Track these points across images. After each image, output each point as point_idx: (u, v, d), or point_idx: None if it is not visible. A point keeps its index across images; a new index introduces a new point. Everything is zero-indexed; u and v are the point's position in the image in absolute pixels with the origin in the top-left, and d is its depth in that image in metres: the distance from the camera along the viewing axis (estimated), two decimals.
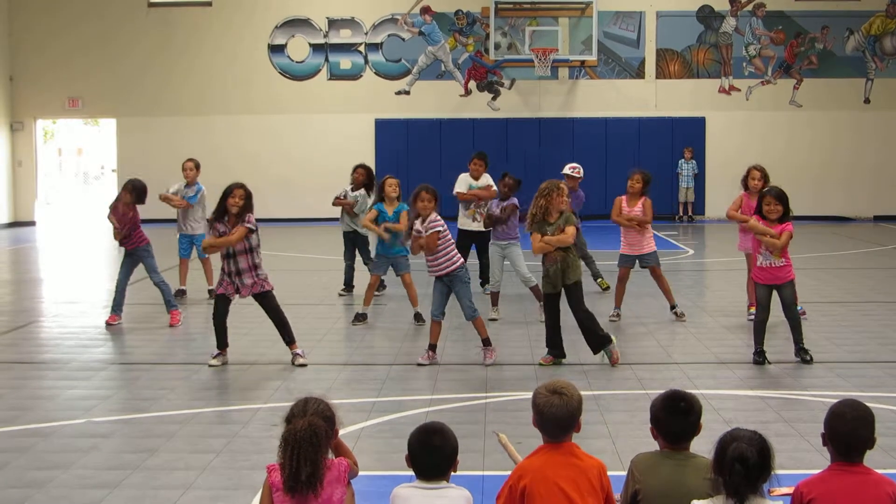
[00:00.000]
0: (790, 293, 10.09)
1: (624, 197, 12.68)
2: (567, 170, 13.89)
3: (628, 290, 12.86)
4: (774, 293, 10.10)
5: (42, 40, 29.26)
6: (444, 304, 10.33)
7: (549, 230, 9.98)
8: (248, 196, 10.12)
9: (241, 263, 10.07)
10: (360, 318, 12.57)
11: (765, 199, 10.05)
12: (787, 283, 10.05)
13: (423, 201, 10.19)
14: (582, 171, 13.96)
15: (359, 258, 14.68)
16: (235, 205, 10.02)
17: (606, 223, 11.98)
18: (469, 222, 13.82)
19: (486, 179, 14.18)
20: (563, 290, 10.11)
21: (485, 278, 14.51)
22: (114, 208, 12.50)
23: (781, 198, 9.97)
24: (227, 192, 10.10)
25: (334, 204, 14.59)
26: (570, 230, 10.00)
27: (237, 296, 10.18)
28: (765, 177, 12.17)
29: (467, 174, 14.03)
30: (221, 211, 10.10)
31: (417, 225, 10.25)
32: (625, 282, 12.71)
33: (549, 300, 10.23)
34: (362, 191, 14.32)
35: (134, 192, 12.41)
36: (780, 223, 9.91)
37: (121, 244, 12.58)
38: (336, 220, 15.16)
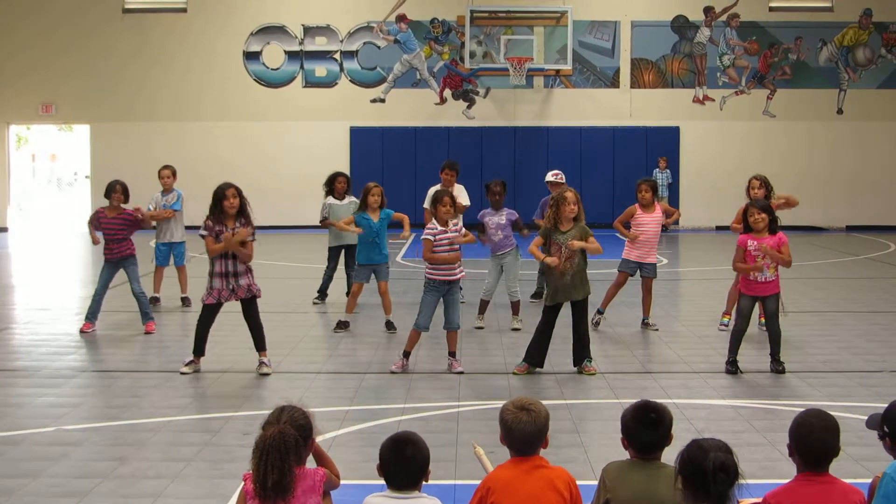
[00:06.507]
0: (774, 305, 10.18)
1: (637, 206, 12.71)
2: (550, 176, 13.94)
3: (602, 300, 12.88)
4: (756, 305, 10.22)
5: (16, 46, 29.11)
6: (432, 316, 10.36)
7: (562, 239, 10.01)
8: (240, 193, 10.03)
9: (240, 266, 10.04)
10: (342, 325, 12.56)
11: (749, 210, 10.15)
12: (773, 295, 10.15)
13: (445, 206, 10.24)
14: (564, 177, 14.00)
15: (339, 269, 14.57)
16: (232, 206, 9.92)
17: None
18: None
19: (458, 191, 14.08)
20: (568, 303, 10.17)
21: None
22: (97, 220, 12.41)
23: (765, 208, 10.07)
24: (221, 196, 9.93)
25: (325, 225, 14.15)
26: (594, 240, 10.07)
27: (233, 298, 10.11)
28: (765, 185, 12.22)
29: (438, 186, 14.00)
30: (219, 213, 9.97)
31: (436, 227, 10.26)
32: (620, 287, 12.76)
33: (548, 312, 10.22)
34: (353, 199, 14.07)
35: (125, 192, 12.49)
36: (771, 234, 10.01)
37: (112, 251, 12.39)
38: (313, 227, 14.98)
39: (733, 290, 12.16)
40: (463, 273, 10.46)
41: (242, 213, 10.01)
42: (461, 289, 14.34)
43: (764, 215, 10.01)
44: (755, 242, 10.00)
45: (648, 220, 12.60)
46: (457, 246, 10.32)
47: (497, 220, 12.74)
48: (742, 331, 10.24)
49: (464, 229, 10.54)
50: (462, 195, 14.10)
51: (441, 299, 10.35)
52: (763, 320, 11.32)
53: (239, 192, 10.02)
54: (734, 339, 10.25)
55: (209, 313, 10.21)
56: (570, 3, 28.46)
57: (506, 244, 12.80)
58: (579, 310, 10.19)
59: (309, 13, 29.49)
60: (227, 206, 9.92)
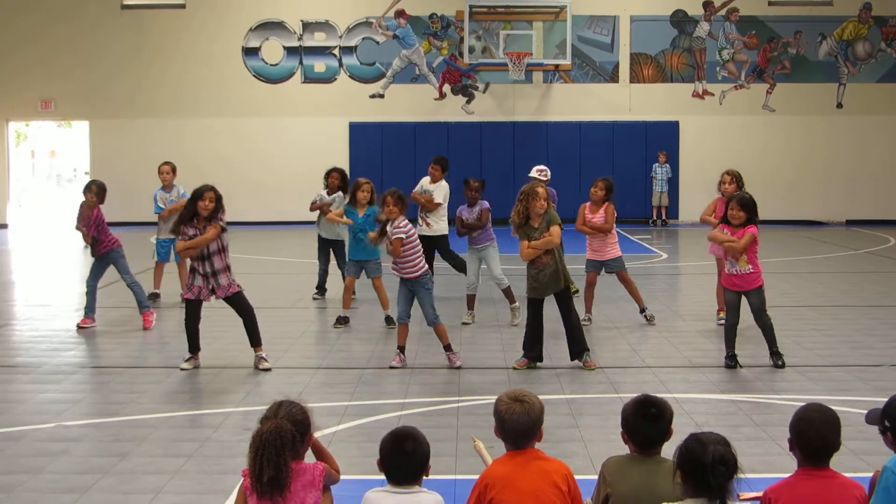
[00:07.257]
0: (758, 300, 10.09)
1: (587, 204, 12.66)
2: (534, 172, 13.80)
3: (601, 294, 12.90)
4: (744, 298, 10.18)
5: (15, 42, 29.05)
6: (409, 307, 10.34)
7: (536, 235, 9.97)
8: (218, 199, 10.03)
9: (217, 264, 10.04)
10: (341, 321, 12.56)
11: (730, 204, 10.10)
12: (754, 289, 10.06)
13: (387, 206, 10.20)
14: (549, 173, 13.94)
15: (333, 263, 14.59)
16: (206, 208, 9.93)
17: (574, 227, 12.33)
18: (423, 227, 13.71)
19: (440, 185, 13.99)
20: (552, 295, 10.11)
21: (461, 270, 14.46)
22: (81, 216, 12.49)
23: (746, 205, 9.98)
24: (198, 195, 9.99)
25: (312, 209, 14.37)
26: (556, 230, 9.90)
27: (213, 297, 10.14)
28: (737, 180, 12.16)
29: (427, 178, 14.04)
30: (191, 213, 10.02)
31: (389, 229, 10.25)
32: (593, 287, 12.72)
33: (533, 305, 10.18)
34: (339, 193, 14.17)
35: (100, 192, 12.45)
36: (744, 228, 9.94)
37: (92, 251, 12.54)
38: (312, 223, 15.07)
39: (720, 286, 12.13)
40: (412, 275, 10.21)
41: (213, 216, 10.01)
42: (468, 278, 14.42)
43: (742, 213, 9.92)
44: (727, 232, 9.99)
45: (592, 220, 12.52)
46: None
47: (470, 216, 12.77)
48: (733, 324, 10.20)
49: (401, 231, 10.11)
50: (439, 192, 13.99)
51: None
52: None
53: (217, 198, 10.04)
54: (728, 334, 10.23)
55: (193, 309, 10.22)
56: None
57: (484, 238, 12.81)
58: (563, 302, 10.15)
59: (308, 9, 29.45)
60: (201, 206, 9.95)
